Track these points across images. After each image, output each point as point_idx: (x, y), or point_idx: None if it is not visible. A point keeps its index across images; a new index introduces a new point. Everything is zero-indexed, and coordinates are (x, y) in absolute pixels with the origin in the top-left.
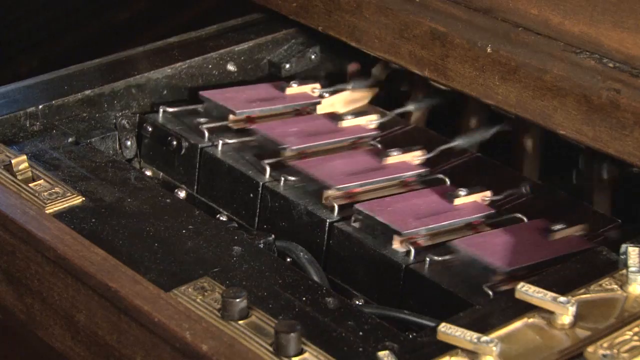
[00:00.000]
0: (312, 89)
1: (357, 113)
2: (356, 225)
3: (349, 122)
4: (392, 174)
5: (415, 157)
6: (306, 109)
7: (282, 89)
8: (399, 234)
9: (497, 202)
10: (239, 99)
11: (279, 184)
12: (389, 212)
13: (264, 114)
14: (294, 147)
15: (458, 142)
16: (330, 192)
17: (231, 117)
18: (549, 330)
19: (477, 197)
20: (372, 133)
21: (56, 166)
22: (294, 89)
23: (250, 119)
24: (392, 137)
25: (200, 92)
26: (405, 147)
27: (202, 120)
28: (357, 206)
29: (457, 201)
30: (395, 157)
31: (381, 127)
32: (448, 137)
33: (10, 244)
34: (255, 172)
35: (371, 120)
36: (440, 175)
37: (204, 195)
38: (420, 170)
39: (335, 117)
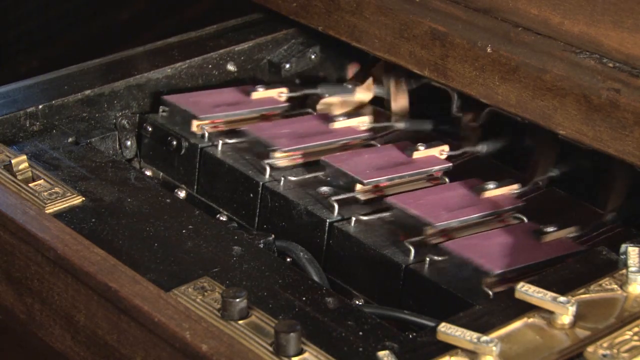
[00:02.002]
0: (279, 93)
1: (350, 114)
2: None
3: (341, 124)
4: (419, 168)
5: (443, 151)
6: (271, 113)
7: (248, 94)
8: (431, 225)
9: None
10: (204, 103)
11: (279, 184)
12: (420, 205)
13: (229, 119)
14: (285, 149)
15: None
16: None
17: (194, 122)
18: (548, 330)
19: (505, 190)
20: (364, 135)
21: (56, 166)
22: (259, 93)
23: (214, 124)
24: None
25: (163, 97)
26: (431, 142)
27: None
28: (388, 199)
29: (487, 194)
30: (421, 152)
31: (374, 128)
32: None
33: (10, 244)
34: (255, 172)
35: (363, 122)
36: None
37: (203, 195)
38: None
39: (327, 118)
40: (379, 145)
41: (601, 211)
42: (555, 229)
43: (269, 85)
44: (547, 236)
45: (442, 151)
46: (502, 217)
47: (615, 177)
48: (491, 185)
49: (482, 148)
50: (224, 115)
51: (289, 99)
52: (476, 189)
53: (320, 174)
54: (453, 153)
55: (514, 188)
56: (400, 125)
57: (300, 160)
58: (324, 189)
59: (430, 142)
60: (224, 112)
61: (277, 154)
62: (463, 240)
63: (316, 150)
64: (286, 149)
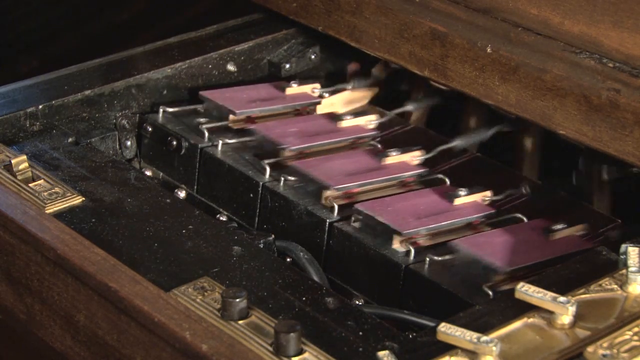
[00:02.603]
0: (312, 89)
1: (357, 113)
2: (356, 225)
3: (348, 122)
4: (392, 174)
5: (415, 157)
6: (306, 108)
7: (282, 89)
8: (399, 233)
9: (497, 202)
10: (239, 99)
11: (279, 184)
12: (389, 212)
13: (264, 114)
14: (293, 147)
15: (457, 143)
16: (329, 192)
17: (231, 117)
18: (548, 330)
19: (477, 197)
20: (371, 133)
21: (56, 166)
22: (294, 89)
23: (250, 119)
24: (392, 137)
25: (201, 92)
26: (405, 147)
27: (202, 120)
28: (358, 206)
29: (457, 201)
30: (394, 157)
31: (380, 127)
32: (447, 137)
33: (10, 244)
34: (255, 172)
35: (370, 121)
36: (440, 175)
37: (203, 195)
38: (420, 170)
39: (334, 117)
40: (378, 146)
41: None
42: (564, 226)
43: (302, 80)
44: (556, 234)
45: (414, 157)
46: (472, 225)
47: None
48: (462, 192)
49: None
50: (259, 110)
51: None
52: (447, 196)
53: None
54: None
55: (485, 195)
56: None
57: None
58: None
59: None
60: (260, 107)
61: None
62: (472, 238)
63: (324, 149)
64: (294, 147)
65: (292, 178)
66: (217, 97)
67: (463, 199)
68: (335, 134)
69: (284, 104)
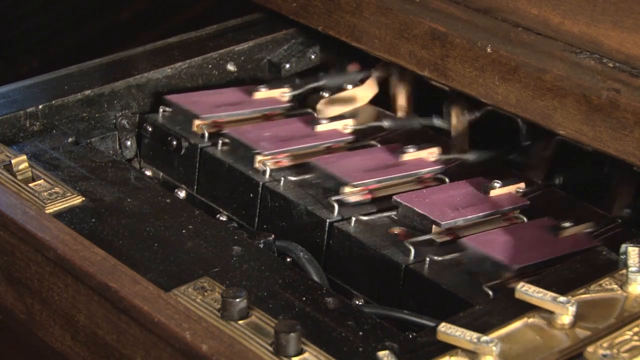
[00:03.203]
0: (281, 93)
1: (334, 117)
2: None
3: (324, 127)
4: (409, 170)
5: (431, 153)
6: (275, 113)
7: (250, 94)
8: (438, 224)
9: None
10: (206, 103)
11: (279, 184)
12: (426, 204)
13: (231, 119)
14: (267, 152)
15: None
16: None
17: (196, 121)
18: (548, 330)
19: (511, 189)
20: (348, 137)
21: (56, 166)
22: (262, 93)
23: (216, 124)
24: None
25: (165, 96)
26: (422, 144)
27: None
28: (396, 197)
29: (493, 193)
30: (411, 154)
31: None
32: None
33: (10, 244)
34: (255, 172)
35: (347, 125)
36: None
37: (203, 195)
38: (437, 167)
39: (311, 121)
40: (378, 146)
41: (603, 212)
42: (572, 224)
43: (271, 85)
44: (565, 232)
45: (431, 153)
46: (507, 217)
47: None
48: (497, 184)
49: (471, 156)
50: (226, 115)
51: (292, 99)
52: (482, 188)
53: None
54: (442, 157)
55: (519, 187)
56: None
57: (287, 163)
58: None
59: (421, 144)
60: (226, 112)
61: (261, 157)
62: (481, 236)
63: (300, 154)
64: (268, 152)
65: (293, 178)
66: (182, 101)
67: (498, 190)
68: (310, 138)
69: (252, 109)
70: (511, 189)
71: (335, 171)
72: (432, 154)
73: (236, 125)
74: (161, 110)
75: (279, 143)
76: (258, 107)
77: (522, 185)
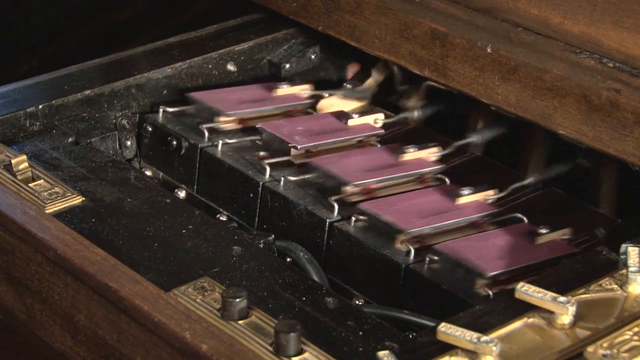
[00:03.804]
0: (302, 90)
1: (364, 112)
2: (358, 225)
3: (355, 121)
4: (410, 170)
5: (432, 153)
6: (297, 109)
7: (272, 90)
8: (401, 232)
9: (500, 201)
10: (229, 100)
11: (279, 184)
12: (392, 212)
13: (254, 115)
14: (301, 146)
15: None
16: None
17: (221, 118)
18: (548, 330)
19: (480, 197)
20: (379, 132)
21: (56, 166)
22: (284, 89)
23: (241, 120)
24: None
25: (187, 94)
26: (422, 144)
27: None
28: (361, 205)
29: (460, 200)
30: (412, 154)
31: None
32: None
33: (10, 244)
34: (255, 172)
35: (378, 119)
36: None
37: (203, 195)
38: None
39: (342, 115)
40: (378, 146)
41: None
42: (548, 230)
43: (293, 82)
44: (541, 237)
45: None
46: (477, 223)
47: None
48: (465, 191)
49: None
50: (249, 112)
51: (312, 96)
52: (450, 195)
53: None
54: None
55: (487, 194)
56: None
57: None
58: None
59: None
60: (249, 108)
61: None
62: (458, 242)
63: (331, 148)
64: (301, 146)
65: (294, 178)
66: (206, 98)
67: (466, 198)
68: (342, 132)
69: (275, 105)
70: (479, 196)
71: (335, 171)
72: (432, 153)
73: (259, 121)
74: (161, 110)
75: (311, 137)
76: (280, 103)
77: (491, 192)
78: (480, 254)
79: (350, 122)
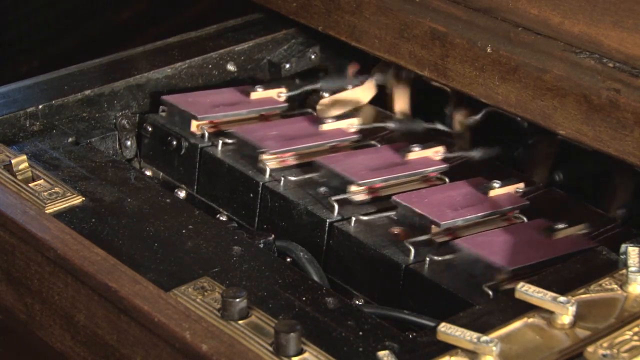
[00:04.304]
0: (278, 93)
1: (338, 116)
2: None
3: (329, 126)
4: (415, 169)
5: (437, 152)
6: (272, 113)
7: (247, 94)
8: (437, 224)
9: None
10: (202, 103)
11: (278, 183)
12: (425, 204)
13: (228, 119)
14: (273, 151)
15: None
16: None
17: (194, 122)
18: (548, 330)
19: (511, 189)
20: (353, 137)
21: (56, 166)
22: (258, 93)
23: (214, 124)
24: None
25: (163, 97)
26: (427, 143)
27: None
28: (396, 198)
29: (492, 193)
30: (417, 153)
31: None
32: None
33: (10, 244)
34: (255, 172)
35: (352, 124)
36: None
37: (203, 195)
38: (441, 166)
39: (314, 120)
40: (379, 146)
41: (602, 212)
42: (565, 226)
43: (268, 85)
44: (558, 233)
45: (436, 152)
46: (506, 217)
47: (620, 179)
48: (496, 184)
49: (476, 153)
50: (223, 115)
51: (289, 99)
52: (481, 188)
53: (316, 174)
54: (448, 155)
55: (518, 187)
56: (391, 125)
57: (293, 162)
58: (322, 189)
59: (425, 142)
60: (223, 112)
61: (266, 156)
62: (474, 238)
63: (305, 152)
64: (274, 150)
65: (293, 178)
66: (179, 101)
67: (497, 190)
68: (315, 137)
69: (249, 109)
70: (511, 189)
71: (340, 170)
72: (437, 152)
73: (234, 125)
74: (161, 110)
75: (284, 142)
76: (255, 107)
77: (522, 185)
78: (499, 250)
79: (325, 127)
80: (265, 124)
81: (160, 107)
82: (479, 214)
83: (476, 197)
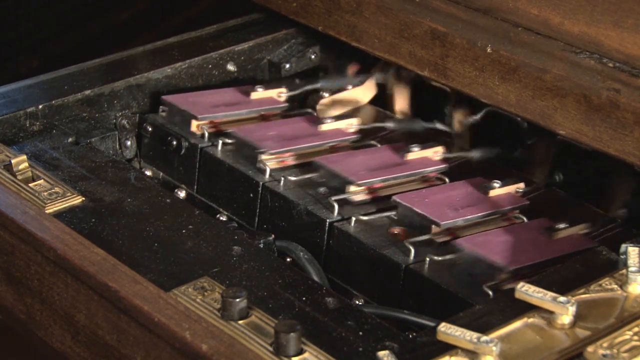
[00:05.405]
0: (278, 93)
1: (337, 117)
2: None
3: (328, 126)
4: (414, 169)
5: (436, 152)
6: (272, 113)
7: (247, 94)
8: (437, 224)
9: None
10: (202, 103)
11: (278, 183)
12: (426, 204)
13: (228, 119)
14: (272, 151)
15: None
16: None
17: (194, 122)
18: (548, 330)
19: (511, 189)
20: (352, 137)
21: (56, 166)
22: (259, 93)
23: (214, 124)
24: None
25: (163, 97)
26: (426, 143)
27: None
28: (395, 198)
29: (492, 193)
30: (416, 153)
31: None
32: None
33: (10, 244)
34: (255, 172)
35: (351, 124)
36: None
37: (203, 195)
38: (441, 166)
39: (313, 120)
40: (378, 146)
41: (602, 212)
42: (565, 226)
43: (268, 85)
44: (558, 233)
45: (436, 152)
46: (507, 217)
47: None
48: (496, 184)
49: (476, 153)
50: (223, 115)
51: (289, 99)
52: (481, 188)
53: (315, 174)
54: (448, 155)
55: (518, 187)
56: (391, 125)
57: (292, 162)
58: (322, 189)
59: (425, 142)
60: (223, 112)
61: (266, 156)
62: (474, 238)
63: (305, 152)
64: (273, 151)
65: (293, 178)
66: (179, 101)
67: (497, 190)
68: (314, 137)
69: (249, 109)
70: (511, 188)
71: (340, 170)
72: (436, 152)
73: (234, 125)
74: (161, 110)
75: (284, 142)
76: (255, 107)
77: (522, 185)
78: (500, 250)
79: (324, 127)
80: (265, 124)
81: (160, 107)
82: (479, 214)
83: (476, 197)
